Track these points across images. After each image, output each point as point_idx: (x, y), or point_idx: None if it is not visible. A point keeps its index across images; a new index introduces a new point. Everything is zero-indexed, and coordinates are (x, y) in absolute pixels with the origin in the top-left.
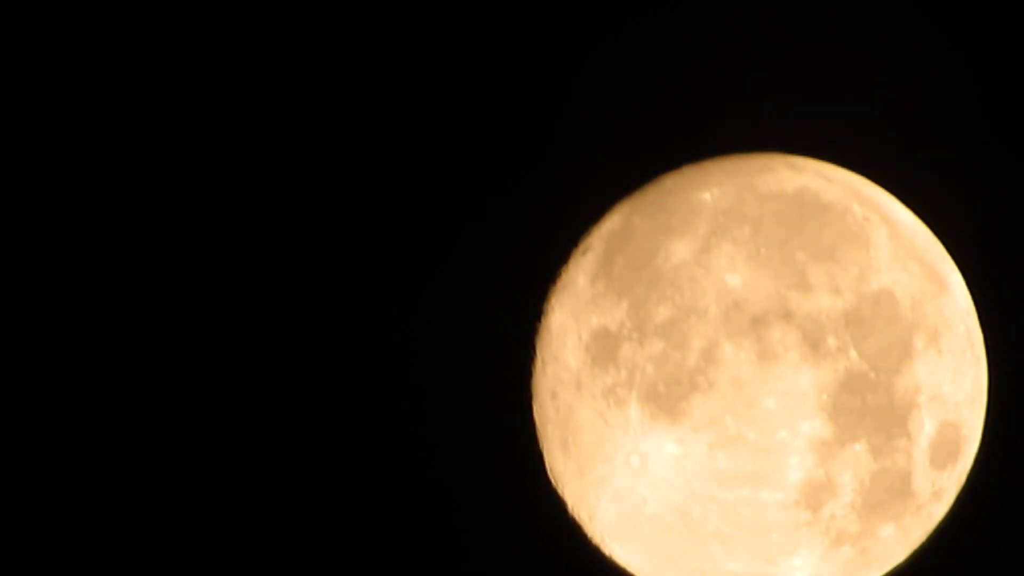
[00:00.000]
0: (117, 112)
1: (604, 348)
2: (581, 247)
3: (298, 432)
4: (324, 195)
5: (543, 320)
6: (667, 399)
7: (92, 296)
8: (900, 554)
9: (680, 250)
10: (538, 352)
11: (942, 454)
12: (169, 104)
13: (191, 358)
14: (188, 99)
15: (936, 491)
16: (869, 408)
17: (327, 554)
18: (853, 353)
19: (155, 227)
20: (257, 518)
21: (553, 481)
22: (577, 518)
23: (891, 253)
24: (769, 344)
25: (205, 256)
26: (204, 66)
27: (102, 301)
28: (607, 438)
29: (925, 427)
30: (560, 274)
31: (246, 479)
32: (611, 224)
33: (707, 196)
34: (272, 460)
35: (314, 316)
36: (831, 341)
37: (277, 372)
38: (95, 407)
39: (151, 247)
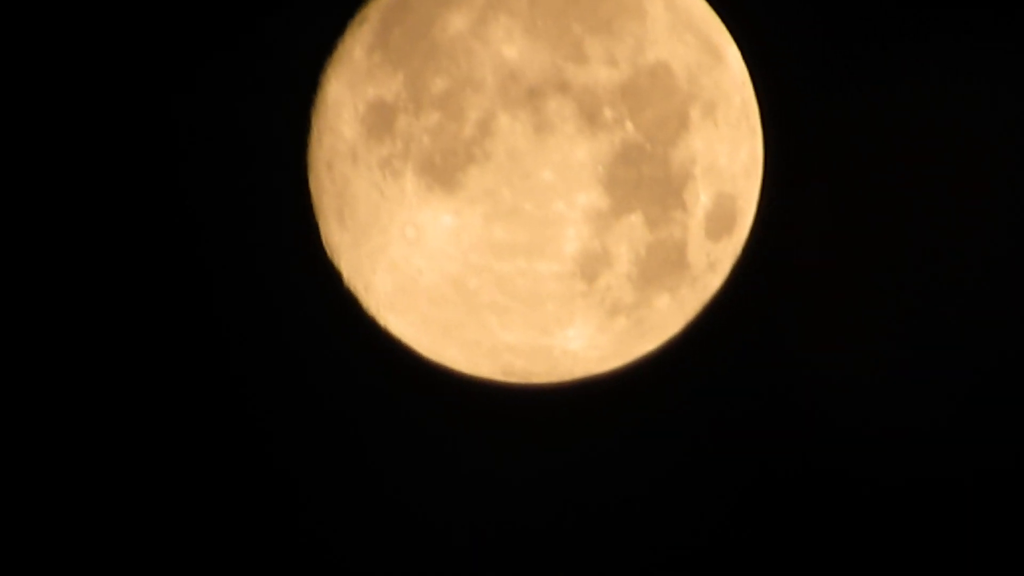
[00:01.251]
0: None
1: (380, 119)
2: (357, 18)
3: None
4: None
5: (319, 92)
6: (443, 170)
7: None
8: (676, 325)
9: (457, 22)
10: (314, 124)
11: (718, 226)
12: None
13: None
14: None
15: (711, 262)
16: (645, 180)
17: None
18: (629, 125)
19: None
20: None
21: (328, 252)
22: (353, 289)
23: (667, 25)
24: (546, 116)
25: None
26: None
27: None
28: (383, 209)
29: (701, 199)
30: (336, 46)
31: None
32: None
33: None
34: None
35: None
36: (607, 113)
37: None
38: None
39: None
